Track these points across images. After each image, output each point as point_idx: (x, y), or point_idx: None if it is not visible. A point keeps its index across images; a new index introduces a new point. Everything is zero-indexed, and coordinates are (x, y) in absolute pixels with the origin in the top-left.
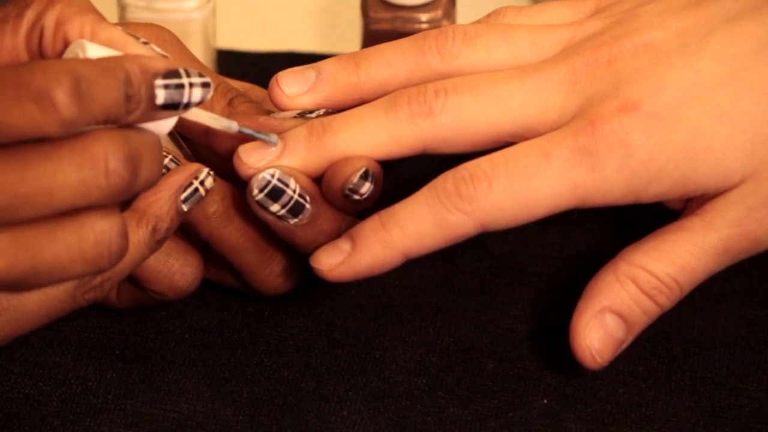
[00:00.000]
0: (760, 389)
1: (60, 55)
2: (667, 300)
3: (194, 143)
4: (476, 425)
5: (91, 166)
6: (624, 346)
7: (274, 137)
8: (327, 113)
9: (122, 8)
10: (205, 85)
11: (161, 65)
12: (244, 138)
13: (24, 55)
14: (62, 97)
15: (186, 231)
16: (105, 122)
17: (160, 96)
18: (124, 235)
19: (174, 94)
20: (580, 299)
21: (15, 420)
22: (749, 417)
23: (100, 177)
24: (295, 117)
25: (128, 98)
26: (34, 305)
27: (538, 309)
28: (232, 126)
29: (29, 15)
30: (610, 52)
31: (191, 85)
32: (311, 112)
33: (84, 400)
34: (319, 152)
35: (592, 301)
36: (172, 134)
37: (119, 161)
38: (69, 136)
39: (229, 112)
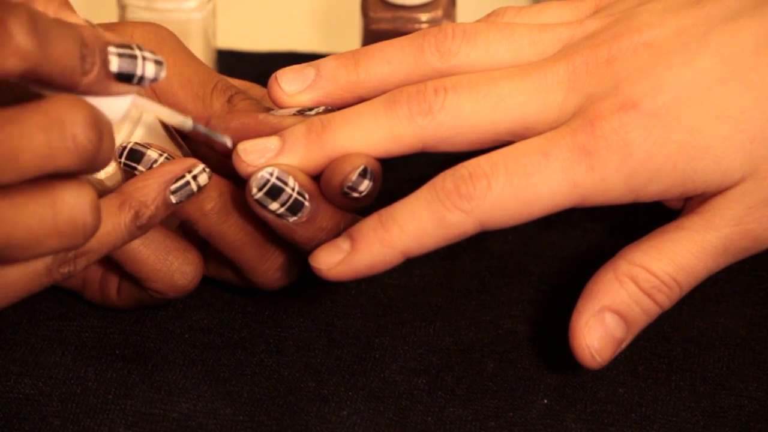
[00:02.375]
0: (760, 389)
1: None
2: (666, 299)
3: (193, 142)
4: (476, 425)
5: (57, 129)
6: (624, 345)
7: (226, 139)
8: (326, 111)
9: (122, 8)
10: (158, 62)
11: (114, 37)
12: (244, 136)
13: None
14: (19, 27)
15: (185, 228)
16: (62, 78)
17: (114, 62)
18: (97, 210)
19: (127, 63)
20: (579, 298)
21: (15, 420)
22: (749, 417)
23: (67, 140)
24: (294, 114)
25: (83, 57)
26: (13, 278)
27: (538, 309)
28: (186, 122)
29: None
30: (610, 50)
31: (144, 58)
32: (311, 109)
33: (84, 400)
34: (318, 150)
35: (592, 301)
36: (171, 133)
37: (86, 125)
38: (33, 101)
39: (229, 109)
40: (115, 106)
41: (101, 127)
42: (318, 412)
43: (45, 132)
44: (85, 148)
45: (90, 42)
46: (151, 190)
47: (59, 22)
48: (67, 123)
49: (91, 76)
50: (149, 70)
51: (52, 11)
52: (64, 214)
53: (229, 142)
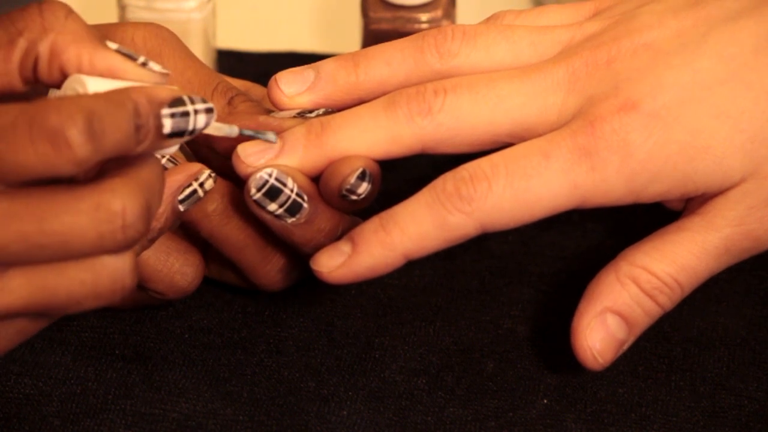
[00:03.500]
0: (760, 389)
1: (57, 83)
2: (668, 300)
3: (194, 142)
4: (476, 425)
5: (109, 220)
6: (625, 346)
7: (272, 136)
8: (326, 113)
9: (122, 8)
10: (209, 110)
11: (167, 94)
12: (243, 138)
13: (17, 82)
14: (77, 136)
15: (186, 229)
16: (115, 156)
17: (167, 125)
18: (136, 271)
19: (180, 123)
20: (581, 300)
21: (15, 420)
22: (749, 417)
23: (117, 232)
24: (294, 116)
25: (137, 129)
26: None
27: (538, 309)
28: (233, 131)
29: (21, 43)
30: (610, 52)
31: (196, 111)
32: (311, 111)
33: (84, 400)
34: (318, 151)
35: (593, 302)
36: None
37: (137, 215)
38: (87, 184)
39: (229, 111)
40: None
41: (152, 212)
42: (318, 412)
43: (97, 225)
44: (133, 237)
45: (144, 111)
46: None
47: (112, 103)
48: (118, 216)
49: (145, 145)
50: (200, 122)
51: (86, 58)
52: (105, 278)
53: (274, 137)
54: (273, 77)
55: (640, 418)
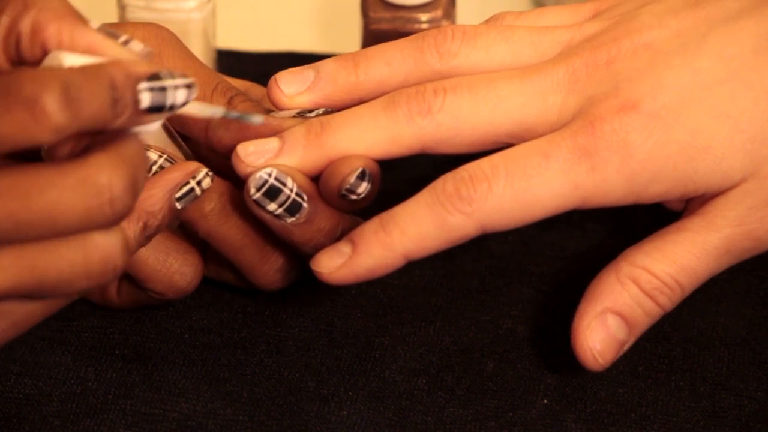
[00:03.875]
0: (760, 389)
1: (38, 61)
2: (668, 300)
3: (194, 142)
4: (476, 425)
5: (96, 194)
6: (626, 347)
7: (259, 118)
8: (326, 112)
9: (122, 8)
10: (189, 86)
11: (144, 69)
12: (243, 137)
13: (2, 60)
14: (52, 103)
15: (184, 229)
16: (93, 128)
17: (145, 99)
18: (127, 249)
19: (158, 97)
20: (581, 300)
21: (15, 420)
22: (749, 417)
23: (104, 205)
24: (294, 116)
25: (114, 102)
26: (35, 307)
27: (538, 309)
28: (217, 111)
29: (3, 21)
30: (609, 52)
31: (175, 87)
32: (310, 111)
33: (84, 400)
34: (318, 150)
35: (594, 302)
36: (171, 134)
37: (123, 189)
38: (72, 160)
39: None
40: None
41: (138, 187)
42: (318, 412)
43: (84, 199)
44: (121, 211)
45: (121, 84)
46: (157, 200)
47: (89, 75)
48: (105, 190)
49: (123, 119)
50: (180, 97)
51: (67, 35)
52: (95, 257)
53: (260, 119)
54: (273, 77)
55: (640, 418)
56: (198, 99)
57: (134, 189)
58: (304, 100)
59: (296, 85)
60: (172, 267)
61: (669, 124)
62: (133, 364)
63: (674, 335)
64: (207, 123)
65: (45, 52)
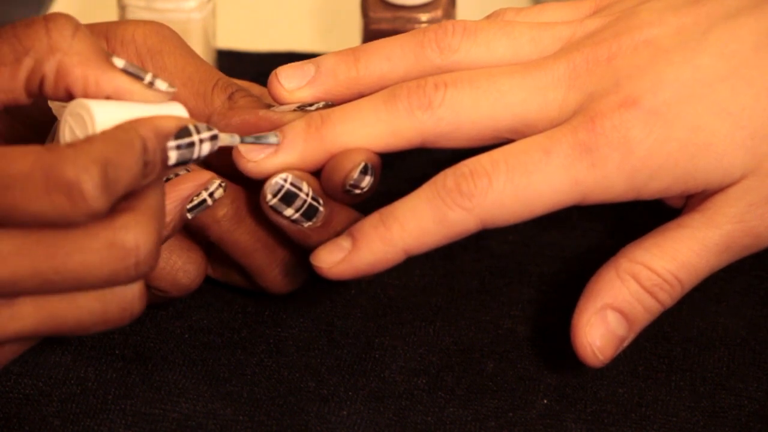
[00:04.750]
0: (760, 389)
1: (63, 100)
2: (668, 297)
3: None
4: (476, 425)
5: (122, 258)
6: (625, 343)
7: (274, 138)
8: (327, 106)
9: (122, 8)
10: (213, 138)
11: (173, 125)
12: (244, 132)
13: (22, 97)
14: (92, 189)
15: (189, 229)
16: (124, 194)
17: (173, 157)
18: (144, 297)
19: (185, 153)
20: (581, 297)
21: (15, 420)
22: (749, 417)
23: (130, 268)
24: (294, 110)
25: (145, 165)
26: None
27: (538, 309)
28: (234, 140)
29: (27, 62)
30: (610, 48)
31: (201, 141)
32: (311, 105)
33: (84, 400)
34: (318, 144)
35: (594, 299)
36: None
37: (150, 251)
38: (99, 221)
39: (230, 107)
40: None
41: (161, 242)
42: (318, 412)
43: (111, 263)
44: (146, 271)
45: (152, 146)
46: (169, 210)
47: (123, 145)
48: (132, 254)
49: (150, 178)
50: (205, 150)
51: (92, 80)
52: (114, 306)
53: (276, 139)
54: (273, 72)
55: (640, 418)
56: (198, 95)
57: (159, 247)
58: (304, 95)
59: (297, 80)
60: (176, 265)
61: (669, 120)
62: (133, 364)
63: (674, 335)
64: (208, 118)
65: (70, 95)
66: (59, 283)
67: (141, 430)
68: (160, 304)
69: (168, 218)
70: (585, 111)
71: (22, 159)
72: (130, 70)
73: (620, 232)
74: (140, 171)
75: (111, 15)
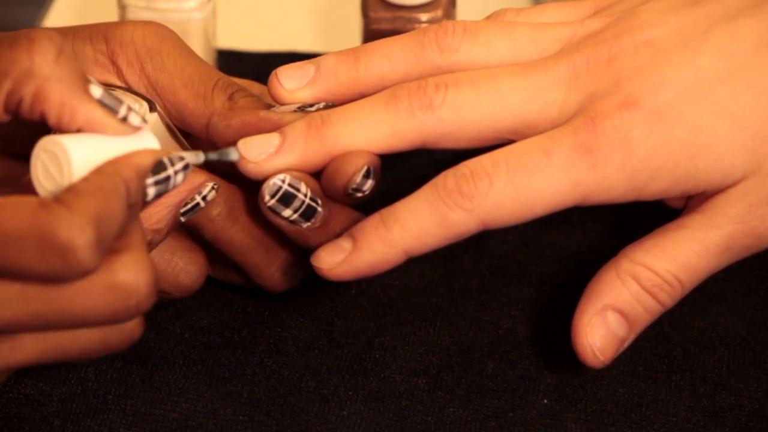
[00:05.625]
0: (760, 389)
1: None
2: (668, 298)
3: (195, 138)
4: (476, 425)
5: (123, 299)
6: (626, 344)
7: (235, 153)
8: (327, 107)
9: (122, 8)
10: (186, 167)
11: (149, 161)
12: (245, 133)
13: (2, 115)
14: (86, 250)
15: (189, 230)
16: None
17: (151, 193)
18: (143, 321)
19: (161, 188)
20: (581, 297)
21: (15, 420)
22: (749, 417)
23: (131, 308)
24: (294, 111)
25: (129, 207)
26: None
27: (538, 309)
28: (199, 157)
29: (7, 84)
30: (611, 49)
31: (176, 173)
32: (311, 105)
33: (84, 400)
34: (318, 145)
35: (594, 299)
36: (173, 130)
37: (149, 288)
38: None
39: (230, 107)
40: None
41: (157, 287)
42: (318, 412)
43: (112, 304)
44: (147, 309)
45: (134, 188)
46: (162, 217)
47: (110, 194)
48: (132, 295)
49: (132, 217)
50: (179, 180)
51: (67, 109)
52: (115, 336)
53: (236, 155)
54: (273, 72)
55: (640, 418)
56: (198, 96)
57: (155, 290)
58: (304, 95)
59: (297, 80)
60: (177, 266)
61: (670, 121)
62: (133, 364)
63: (674, 335)
64: (208, 119)
65: (43, 119)
66: (61, 325)
67: (141, 430)
68: (160, 304)
69: (162, 224)
70: (585, 112)
71: (16, 217)
72: (106, 102)
73: (620, 232)
74: (126, 215)
75: (111, 15)
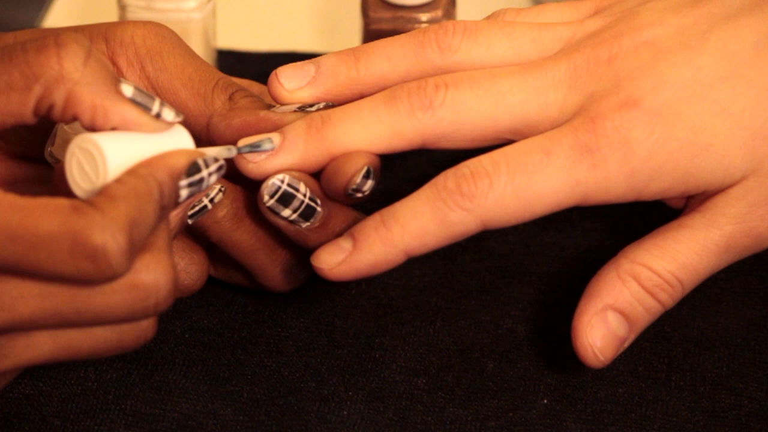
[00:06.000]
0: (760, 389)
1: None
2: (669, 298)
3: (195, 138)
4: (476, 425)
5: (143, 298)
6: (626, 344)
7: (269, 143)
8: (327, 107)
9: (122, 8)
10: (220, 168)
11: (184, 163)
12: (245, 133)
13: (30, 119)
14: (119, 256)
15: (191, 230)
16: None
17: (184, 195)
18: (157, 321)
19: (194, 190)
20: (581, 297)
21: (15, 420)
22: (749, 417)
23: (149, 308)
24: (294, 111)
25: (161, 209)
26: None
27: (538, 309)
28: (232, 151)
29: (37, 90)
30: (611, 49)
31: (210, 174)
32: (311, 105)
33: (84, 400)
34: (319, 145)
35: (594, 299)
36: None
37: (169, 289)
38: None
39: (230, 107)
40: None
41: (177, 288)
42: (318, 412)
43: (132, 303)
44: (165, 309)
45: (168, 191)
46: (171, 218)
47: (143, 197)
48: (152, 295)
49: (163, 218)
50: (212, 181)
51: (101, 112)
52: (129, 336)
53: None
54: (273, 72)
55: (640, 418)
56: (199, 96)
57: (175, 290)
58: (304, 95)
59: (297, 80)
60: (179, 266)
61: (670, 121)
62: (133, 364)
63: (674, 335)
64: (208, 119)
65: (75, 120)
66: (79, 322)
67: (141, 430)
68: None
69: (170, 226)
70: (586, 112)
71: (49, 219)
72: (139, 99)
73: (620, 232)
74: (158, 218)
75: (111, 15)
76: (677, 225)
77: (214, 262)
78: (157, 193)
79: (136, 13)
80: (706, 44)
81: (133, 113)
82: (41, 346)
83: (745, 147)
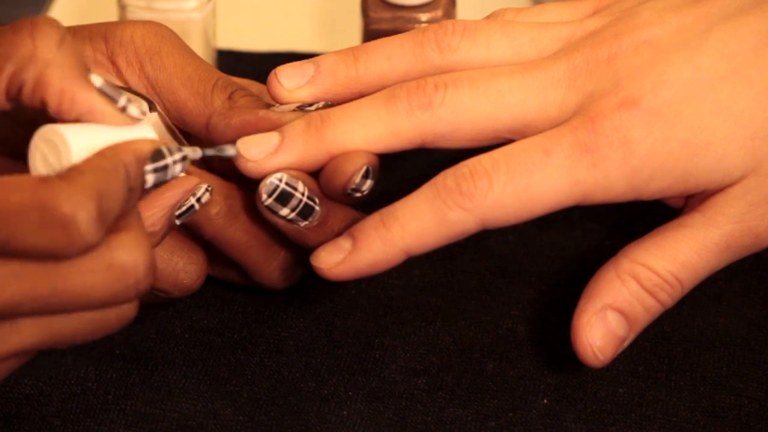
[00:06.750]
0: (760, 389)
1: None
2: (668, 297)
3: (194, 138)
4: (476, 425)
5: (121, 278)
6: (626, 343)
7: (232, 150)
8: (326, 106)
9: (122, 8)
10: (183, 158)
11: (148, 147)
12: (244, 132)
13: (3, 103)
14: (88, 224)
15: (189, 230)
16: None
17: (150, 180)
18: (138, 307)
19: (160, 176)
20: (581, 297)
21: (15, 420)
22: (749, 417)
23: (130, 288)
24: (294, 110)
25: (129, 191)
26: None
27: (538, 309)
28: (196, 152)
29: (8, 68)
30: (610, 48)
31: (174, 162)
32: (310, 105)
33: (84, 400)
34: (318, 144)
35: (594, 299)
36: (172, 130)
37: (147, 268)
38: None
39: (230, 106)
40: None
41: (155, 266)
42: (318, 412)
43: (111, 285)
44: (145, 289)
45: (133, 172)
46: (157, 219)
47: (110, 174)
48: (131, 275)
49: (132, 203)
50: (177, 170)
51: (68, 96)
52: (112, 317)
53: (233, 151)
54: (273, 71)
55: (640, 418)
56: (198, 95)
57: (154, 269)
58: (304, 94)
59: (296, 79)
60: (177, 265)
61: (670, 120)
62: (133, 364)
63: (674, 335)
64: (208, 118)
65: (44, 105)
66: (59, 306)
67: (141, 430)
68: (161, 304)
69: (158, 227)
70: (585, 111)
71: (18, 192)
72: (107, 91)
73: (620, 232)
74: (126, 198)
75: (111, 15)
76: (677, 224)
77: (210, 261)
78: (123, 172)
79: (136, 13)
80: (706, 44)
81: (99, 103)
82: (26, 331)
83: (744, 146)
